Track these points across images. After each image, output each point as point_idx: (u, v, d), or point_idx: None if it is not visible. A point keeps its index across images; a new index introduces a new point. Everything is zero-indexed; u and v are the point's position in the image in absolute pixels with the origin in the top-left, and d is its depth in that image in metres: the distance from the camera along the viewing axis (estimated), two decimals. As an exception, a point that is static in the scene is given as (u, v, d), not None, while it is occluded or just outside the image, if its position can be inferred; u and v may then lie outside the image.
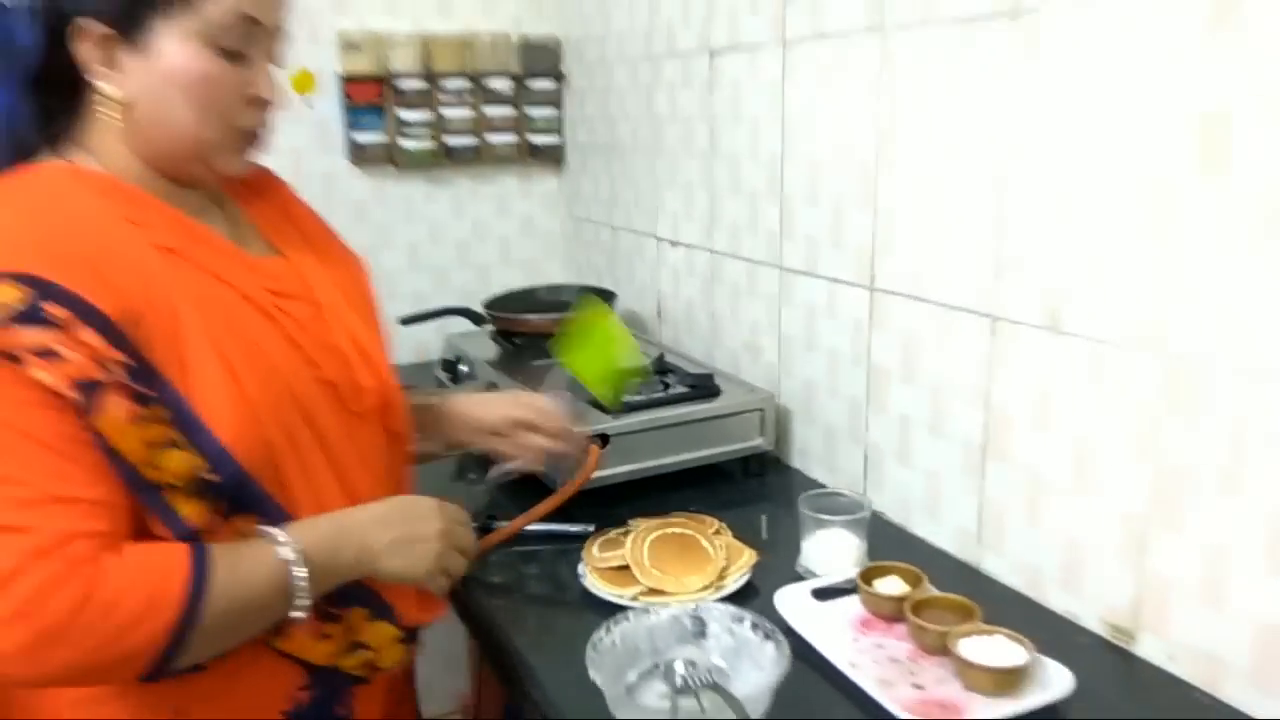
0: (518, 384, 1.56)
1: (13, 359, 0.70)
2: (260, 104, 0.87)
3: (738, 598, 1.08)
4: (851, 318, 1.37)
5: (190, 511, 0.77)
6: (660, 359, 1.63)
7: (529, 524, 1.19)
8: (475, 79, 2.18)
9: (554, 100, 2.26)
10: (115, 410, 0.72)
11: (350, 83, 2.09)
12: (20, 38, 0.81)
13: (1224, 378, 0.89)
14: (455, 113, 2.18)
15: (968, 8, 1.11)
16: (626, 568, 1.13)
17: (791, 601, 1.07)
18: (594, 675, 0.87)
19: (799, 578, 1.14)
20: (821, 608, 1.08)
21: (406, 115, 2.14)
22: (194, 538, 0.77)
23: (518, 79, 2.21)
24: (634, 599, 1.09)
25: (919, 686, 0.94)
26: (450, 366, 1.81)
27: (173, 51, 0.81)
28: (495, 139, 2.23)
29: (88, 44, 0.80)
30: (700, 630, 0.97)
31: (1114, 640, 1.03)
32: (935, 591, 1.06)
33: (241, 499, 0.80)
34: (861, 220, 1.33)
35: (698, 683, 0.87)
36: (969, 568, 1.20)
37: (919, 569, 1.10)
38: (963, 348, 1.18)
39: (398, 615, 0.93)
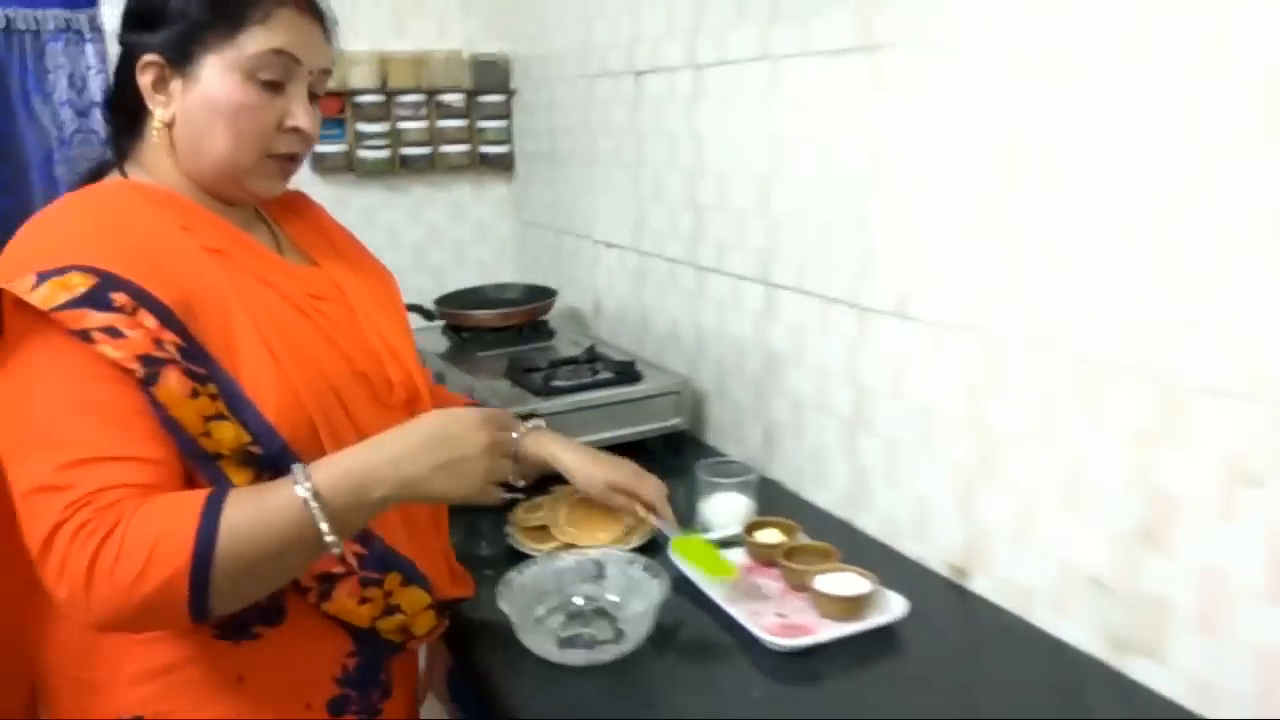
0: (462, 371, 1.74)
1: (83, 336, 0.77)
2: (294, 133, 0.95)
3: (642, 550, 1.26)
4: (752, 310, 1.56)
5: (241, 480, 0.83)
6: (591, 349, 1.80)
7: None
8: (429, 94, 2.35)
9: (503, 113, 2.43)
10: (173, 384, 0.79)
11: (329, 99, 2.26)
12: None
13: (1026, 354, 1.08)
14: (411, 125, 2.35)
15: (833, 42, 1.29)
16: (546, 527, 1.30)
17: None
18: (503, 605, 1.04)
19: (698, 533, 1.32)
20: (670, 513, 1.24)
21: (365, 128, 2.31)
22: None
23: (469, 94, 2.39)
24: (549, 553, 1.26)
25: (782, 615, 1.12)
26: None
27: (213, 80, 0.90)
28: (449, 149, 2.40)
29: (147, 75, 0.91)
30: (599, 572, 1.15)
31: (953, 578, 1.22)
32: (805, 540, 1.25)
33: (284, 471, 0.83)
34: (758, 226, 1.51)
35: (590, 611, 1.05)
36: (844, 523, 1.39)
37: (797, 523, 1.28)
38: (838, 334, 1.37)
39: (431, 586, 0.98)
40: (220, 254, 0.90)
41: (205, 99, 0.90)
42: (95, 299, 0.78)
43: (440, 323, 2.05)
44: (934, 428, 1.22)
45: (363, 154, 2.31)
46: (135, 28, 0.93)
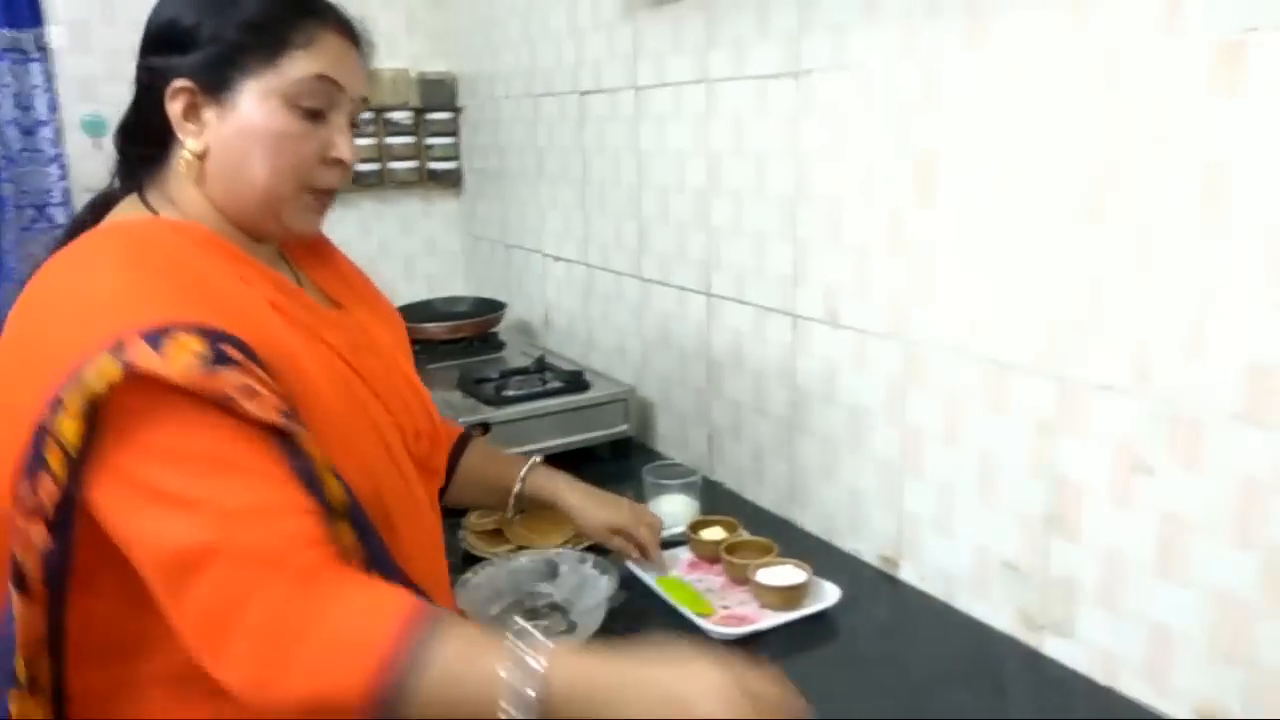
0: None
1: (227, 401, 0.68)
2: (335, 165, 0.87)
3: (592, 551, 1.32)
4: (695, 320, 1.63)
5: (349, 541, 0.74)
6: (541, 360, 1.86)
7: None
8: (378, 111, 2.39)
9: (451, 130, 2.49)
10: (308, 435, 0.73)
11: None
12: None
13: (941, 357, 1.17)
14: (360, 142, 2.39)
15: (764, 68, 1.38)
16: (499, 531, 1.36)
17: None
18: (460, 605, 1.10)
19: (644, 533, 1.39)
20: (660, 555, 1.32)
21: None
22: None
23: (418, 111, 2.44)
24: (504, 555, 1.32)
25: (725, 607, 1.19)
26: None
27: (252, 108, 0.82)
28: (397, 165, 2.45)
29: (178, 103, 0.83)
30: (552, 571, 1.21)
31: (883, 568, 1.30)
32: (746, 536, 1.32)
33: (368, 532, 0.77)
34: (698, 239, 1.59)
35: (545, 607, 1.12)
36: (784, 520, 1.47)
37: (738, 521, 1.36)
38: (774, 341, 1.45)
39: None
40: (278, 309, 0.81)
41: (243, 128, 0.83)
42: (218, 359, 0.69)
43: (392, 336, 2.09)
44: (863, 427, 1.30)
45: (312, 171, 2.34)
46: (162, 51, 0.85)
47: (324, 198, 0.89)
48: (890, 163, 1.20)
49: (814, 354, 1.37)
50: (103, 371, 0.67)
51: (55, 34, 2.14)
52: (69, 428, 0.67)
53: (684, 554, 1.32)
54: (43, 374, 0.69)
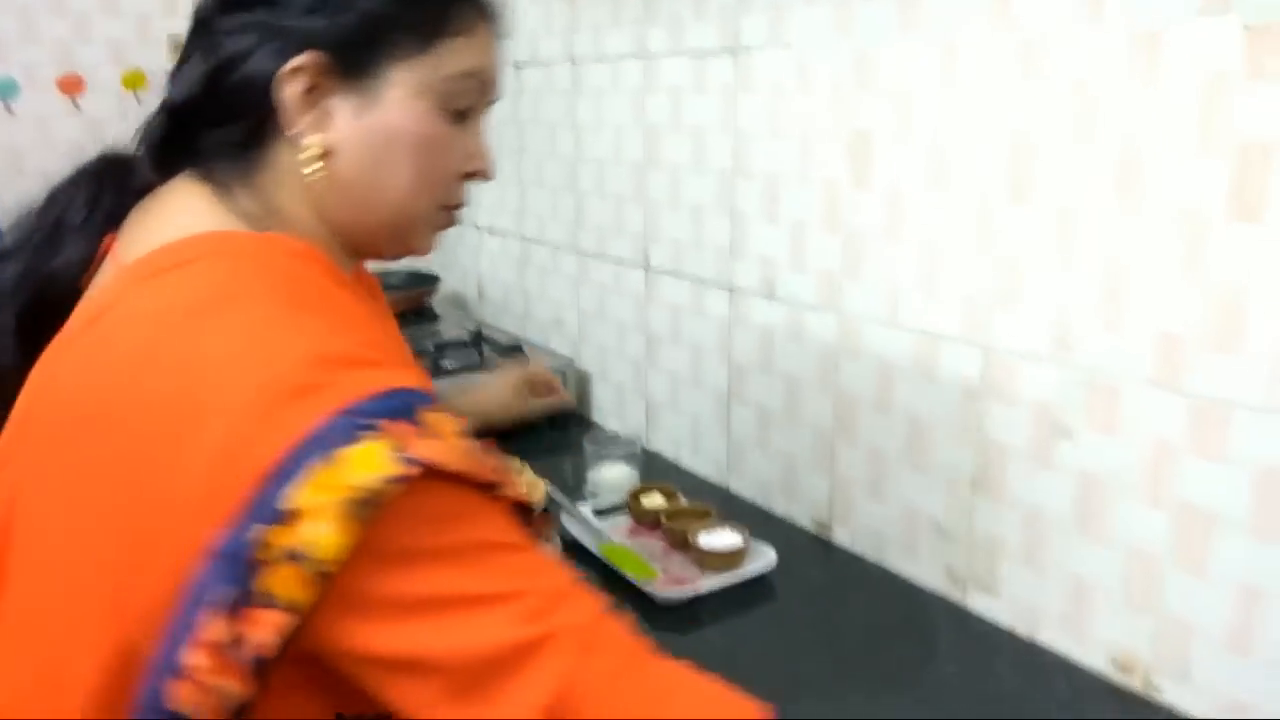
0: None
1: (492, 485, 0.56)
2: (471, 178, 0.73)
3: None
4: (633, 293, 1.65)
5: None
6: (478, 333, 1.86)
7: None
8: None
9: (381, 100, 2.44)
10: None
11: (181, 81, 2.22)
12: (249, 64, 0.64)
13: (873, 328, 1.21)
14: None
15: (702, 43, 1.40)
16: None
17: (574, 518, 1.34)
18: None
19: (586, 502, 1.41)
20: (601, 522, 1.35)
21: (238, 113, 2.28)
22: None
23: (345, 80, 2.38)
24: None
25: (665, 571, 1.22)
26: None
27: (401, 103, 0.66)
28: (325, 135, 2.39)
29: (297, 83, 0.64)
30: (497, 539, 1.22)
31: (818, 532, 1.35)
32: (685, 503, 1.35)
33: None
34: (636, 212, 1.60)
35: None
36: (721, 488, 1.50)
37: (676, 488, 1.39)
38: (711, 314, 1.48)
39: None
40: (416, 363, 0.71)
41: (385, 128, 0.66)
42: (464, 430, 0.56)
43: (323, 309, 2.06)
44: (799, 396, 1.34)
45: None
46: (266, 6, 0.65)
47: (454, 215, 0.75)
48: (826, 140, 1.23)
49: (750, 326, 1.41)
50: (371, 462, 0.49)
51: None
52: (325, 537, 0.48)
53: (624, 520, 1.35)
54: (209, 464, 0.50)
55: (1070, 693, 1.00)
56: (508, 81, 1.92)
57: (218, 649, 0.49)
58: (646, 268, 1.61)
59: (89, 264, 0.66)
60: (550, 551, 0.59)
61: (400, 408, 0.53)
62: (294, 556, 0.48)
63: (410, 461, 0.51)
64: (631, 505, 1.35)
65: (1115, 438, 0.97)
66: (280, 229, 0.65)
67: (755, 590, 1.20)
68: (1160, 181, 0.90)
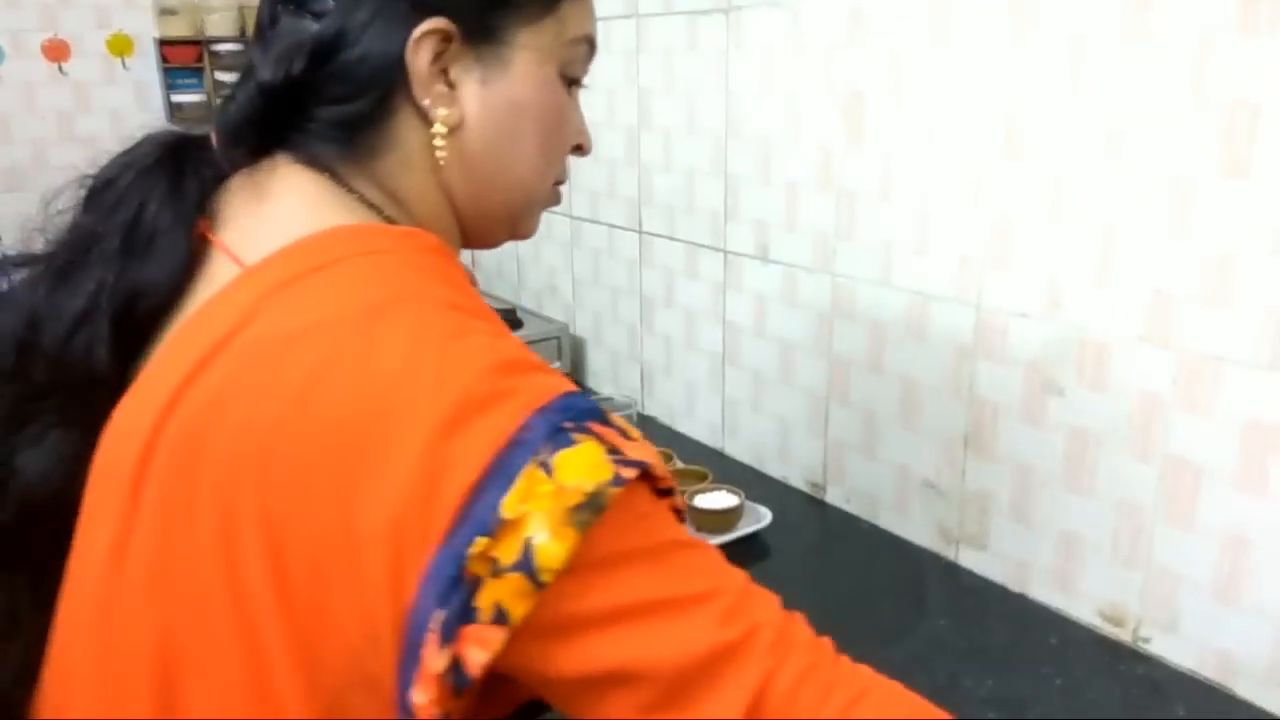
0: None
1: (667, 494, 0.53)
2: (578, 152, 0.69)
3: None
4: (626, 257, 1.65)
5: None
6: (471, 299, 1.86)
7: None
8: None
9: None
10: None
11: (167, 46, 2.20)
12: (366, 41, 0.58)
13: (867, 290, 1.22)
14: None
15: (695, 3, 1.39)
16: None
17: (571, 481, 1.35)
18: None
19: (581, 466, 1.42)
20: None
21: (224, 78, 2.26)
22: None
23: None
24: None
25: (662, 532, 1.24)
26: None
27: (528, 70, 0.61)
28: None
29: (424, 50, 0.58)
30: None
31: (811, 493, 1.36)
32: (681, 465, 1.36)
33: None
34: (629, 176, 1.60)
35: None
36: (716, 451, 1.52)
37: (673, 451, 1.40)
38: (705, 277, 1.48)
39: None
40: None
41: (514, 98, 0.61)
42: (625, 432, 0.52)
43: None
44: (792, 359, 1.35)
45: (225, 107, 2.27)
46: None
47: (560, 192, 0.70)
48: (819, 101, 1.23)
49: (744, 289, 1.41)
50: (590, 464, 0.47)
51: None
52: (545, 545, 0.45)
53: (620, 484, 1.36)
54: (407, 488, 0.46)
55: (1060, 645, 1.02)
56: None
57: (439, 680, 0.45)
58: (640, 231, 1.61)
59: (187, 264, 0.58)
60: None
61: (592, 410, 0.49)
62: (513, 567, 0.45)
63: (627, 464, 0.48)
64: (627, 467, 1.36)
65: (1105, 394, 0.98)
66: (405, 218, 0.61)
67: (751, 549, 1.21)
68: (1151, 139, 0.91)
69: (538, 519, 0.45)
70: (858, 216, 1.21)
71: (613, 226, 1.67)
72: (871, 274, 1.21)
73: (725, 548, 1.20)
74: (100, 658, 0.53)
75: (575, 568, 0.46)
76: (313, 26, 0.57)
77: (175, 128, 0.63)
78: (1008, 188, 1.03)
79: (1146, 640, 0.99)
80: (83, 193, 0.60)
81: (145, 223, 0.58)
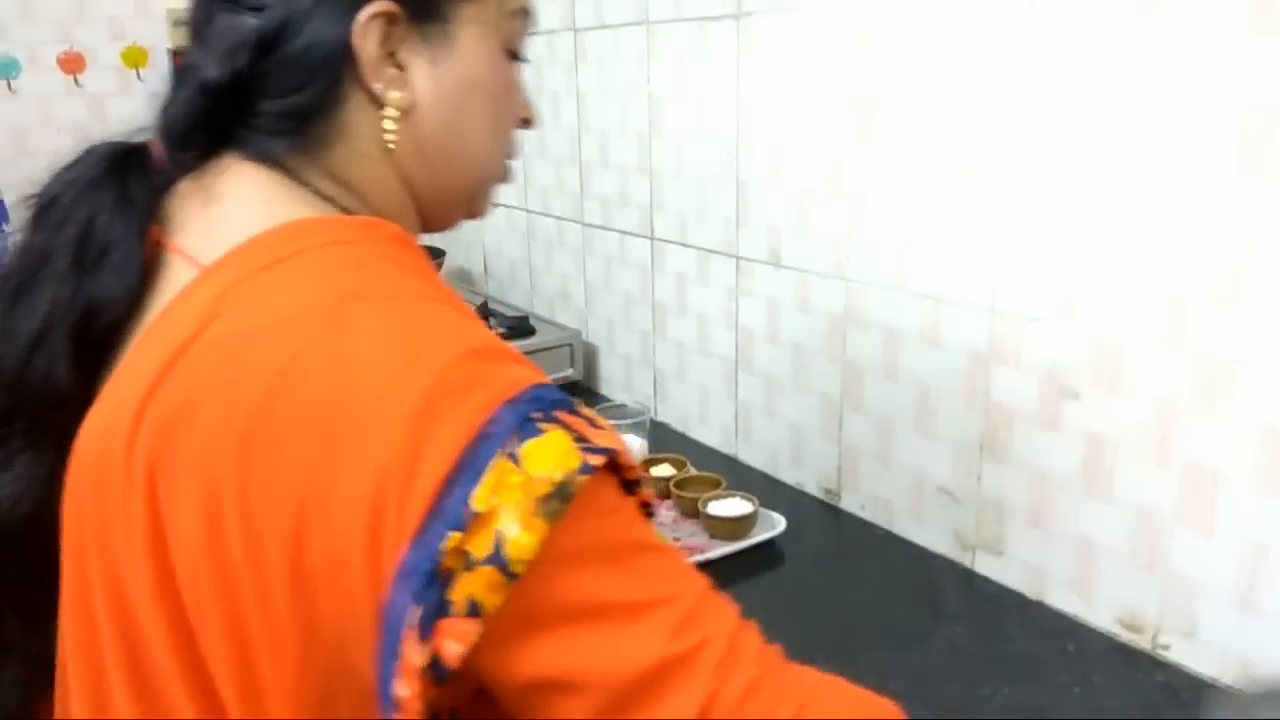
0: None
1: (633, 488, 0.53)
2: (525, 126, 0.68)
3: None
4: (638, 264, 1.65)
5: None
6: (484, 306, 1.87)
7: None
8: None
9: (382, 74, 2.43)
10: None
11: (180, 57, 2.21)
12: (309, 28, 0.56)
13: (880, 295, 1.21)
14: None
15: (705, 10, 1.39)
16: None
17: (584, 488, 1.35)
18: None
19: (594, 473, 1.42)
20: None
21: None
22: None
23: (347, 54, 2.37)
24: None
25: (676, 539, 1.23)
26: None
27: (475, 46, 0.60)
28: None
29: (372, 35, 0.56)
30: (507, 509, 1.23)
31: (826, 500, 1.35)
32: (694, 472, 1.36)
33: None
34: (641, 182, 1.60)
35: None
36: (729, 457, 1.51)
37: (686, 458, 1.39)
38: (717, 283, 1.48)
39: None
40: None
41: (463, 76, 0.60)
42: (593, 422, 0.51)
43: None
44: (806, 364, 1.35)
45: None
46: None
47: (510, 169, 0.69)
48: (830, 106, 1.23)
49: (757, 295, 1.41)
50: (558, 453, 0.46)
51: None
52: (517, 536, 0.45)
53: (634, 491, 1.36)
54: (380, 481, 0.45)
55: (1078, 653, 1.01)
56: (510, 53, 1.90)
57: (420, 674, 0.45)
58: (652, 237, 1.61)
59: (143, 273, 0.57)
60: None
61: (560, 400, 0.49)
62: (485, 560, 0.45)
63: (594, 450, 0.47)
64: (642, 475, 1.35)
65: (1122, 399, 0.97)
66: (361, 207, 0.60)
67: (765, 557, 1.21)
68: (1166, 141, 0.90)
69: (508, 511, 0.45)
70: (870, 222, 1.20)
71: (625, 233, 1.67)
72: (884, 279, 1.20)
73: (739, 555, 1.19)
74: (85, 644, 0.54)
75: (542, 560, 0.45)
76: (252, 21, 0.56)
77: (117, 139, 0.62)
78: (1021, 191, 1.03)
79: (1166, 648, 0.98)
80: (29, 212, 0.59)
81: (96, 236, 0.57)
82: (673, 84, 1.48)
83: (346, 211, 0.59)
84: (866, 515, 1.30)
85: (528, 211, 1.96)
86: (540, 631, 0.47)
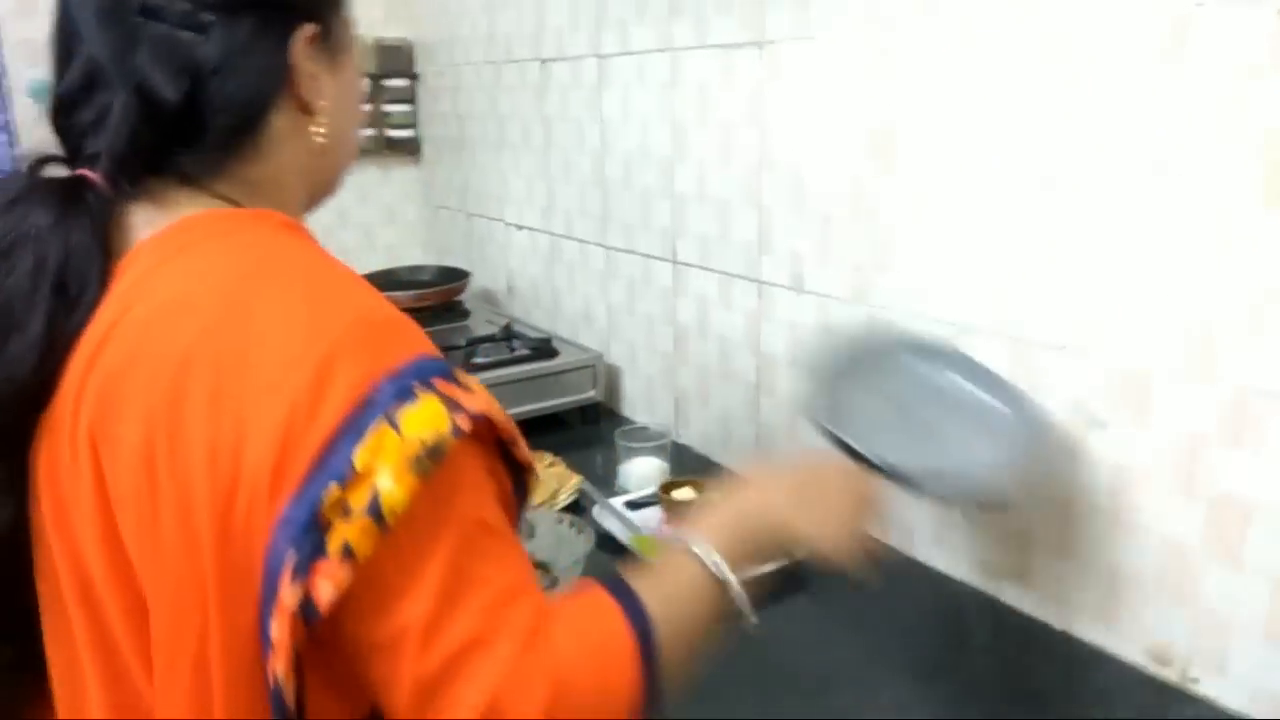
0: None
1: (512, 444, 0.59)
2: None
3: (567, 511, 1.35)
4: (660, 287, 1.66)
5: None
6: (508, 327, 1.88)
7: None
8: (333, 78, 2.35)
9: (408, 97, 2.47)
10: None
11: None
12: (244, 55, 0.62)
13: (903, 321, 1.21)
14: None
15: (728, 37, 1.40)
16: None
17: (607, 511, 1.35)
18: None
19: (618, 495, 1.42)
20: (633, 515, 1.36)
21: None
22: None
23: (374, 78, 2.41)
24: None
25: (697, 564, 1.23)
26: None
27: (349, 53, 0.70)
28: (355, 134, 2.41)
29: (309, 53, 0.64)
30: (530, 532, 1.24)
31: (848, 525, 1.35)
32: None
33: None
34: (664, 207, 1.61)
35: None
36: (751, 482, 1.51)
37: (706, 481, 1.39)
38: (739, 307, 1.48)
39: None
40: None
41: (348, 78, 0.69)
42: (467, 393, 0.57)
43: (355, 306, 2.09)
44: (828, 389, 1.34)
45: (268, 139, 2.31)
46: None
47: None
48: (852, 133, 1.23)
49: (779, 320, 1.41)
50: (431, 416, 0.52)
51: (-3, -2, 2.08)
52: (390, 491, 0.50)
53: (656, 513, 1.36)
54: (276, 436, 0.50)
55: (1105, 685, 1.00)
56: (534, 78, 1.93)
57: (293, 616, 0.49)
58: (674, 261, 1.61)
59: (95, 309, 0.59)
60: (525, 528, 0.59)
61: (439, 369, 0.55)
62: (362, 511, 0.50)
63: (464, 414, 0.53)
64: (663, 498, 1.36)
65: (1148, 429, 0.97)
66: (259, 203, 0.64)
67: (787, 584, 1.20)
68: (1190, 171, 0.89)
69: (384, 468, 0.50)
70: (892, 248, 1.20)
71: (648, 256, 1.68)
72: (907, 305, 1.20)
73: (761, 581, 1.18)
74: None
75: (411, 516, 0.51)
76: (197, 41, 0.60)
77: (40, 157, 0.65)
78: (1044, 219, 1.02)
79: (1195, 680, 0.97)
80: None
81: (72, 278, 0.58)
82: (696, 110, 1.49)
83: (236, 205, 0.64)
84: (892, 541, 1.29)
85: (551, 235, 1.98)
86: (387, 595, 0.52)
